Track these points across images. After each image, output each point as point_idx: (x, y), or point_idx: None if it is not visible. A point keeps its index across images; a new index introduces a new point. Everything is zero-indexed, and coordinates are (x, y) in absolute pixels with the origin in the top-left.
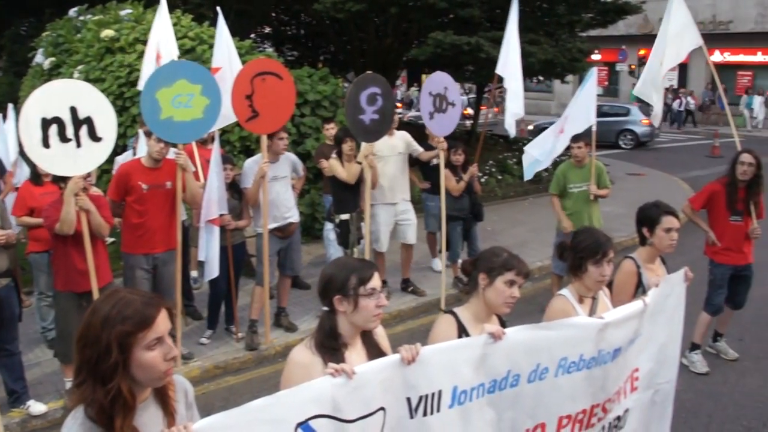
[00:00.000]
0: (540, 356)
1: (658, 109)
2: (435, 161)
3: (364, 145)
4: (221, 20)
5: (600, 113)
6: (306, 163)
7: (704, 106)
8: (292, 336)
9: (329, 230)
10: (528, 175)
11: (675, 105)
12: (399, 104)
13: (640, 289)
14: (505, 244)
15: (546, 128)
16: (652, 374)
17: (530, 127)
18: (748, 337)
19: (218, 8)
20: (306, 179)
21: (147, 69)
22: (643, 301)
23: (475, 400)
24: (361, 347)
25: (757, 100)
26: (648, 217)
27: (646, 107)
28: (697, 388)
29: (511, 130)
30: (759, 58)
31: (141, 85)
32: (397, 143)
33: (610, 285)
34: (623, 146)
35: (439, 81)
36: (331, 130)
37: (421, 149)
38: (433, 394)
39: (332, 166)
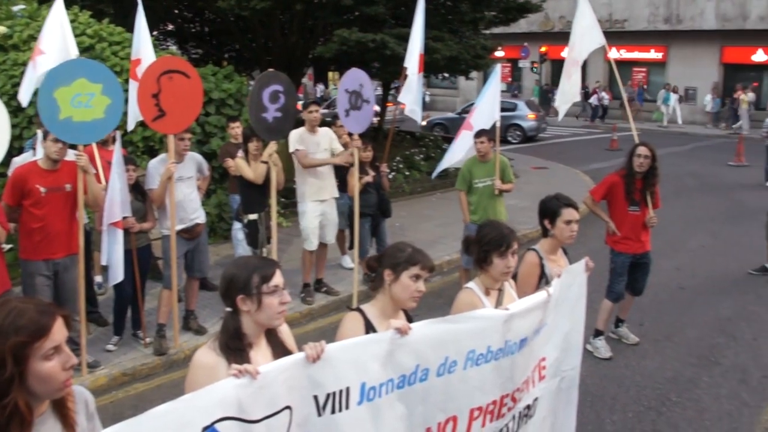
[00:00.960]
0: (448, 349)
1: (564, 104)
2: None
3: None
4: (140, 10)
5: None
6: (211, 163)
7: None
8: (202, 339)
9: (237, 230)
10: (435, 173)
11: (592, 100)
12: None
13: (543, 279)
14: (414, 239)
15: (439, 124)
16: (558, 362)
17: (423, 123)
18: (648, 322)
19: (138, 0)
20: (212, 179)
21: (29, 71)
22: (546, 292)
23: (384, 395)
24: (266, 346)
25: (673, 97)
26: (549, 209)
27: (533, 103)
28: (601, 373)
29: (416, 116)
30: (652, 55)
31: (20, 94)
32: (321, 140)
33: (515, 277)
34: (511, 141)
35: (354, 78)
36: (236, 128)
37: (341, 148)
38: (340, 392)
39: (238, 165)
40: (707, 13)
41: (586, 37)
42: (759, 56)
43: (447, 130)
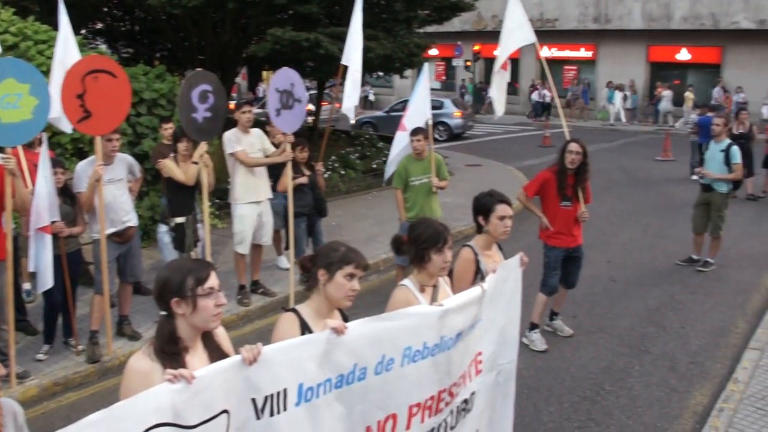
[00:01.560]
0: (384, 347)
1: (497, 102)
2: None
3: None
4: (62, 9)
5: None
6: (143, 164)
7: (570, 101)
8: (137, 345)
9: (163, 233)
10: (386, 174)
11: (534, 97)
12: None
13: (478, 275)
14: (351, 238)
15: (368, 122)
16: (494, 356)
17: (352, 122)
18: (581, 314)
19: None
20: (144, 181)
21: None
22: (481, 287)
23: (322, 396)
24: (202, 350)
25: (618, 95)
26: (483, 205)
27: (460, 100)
28: (537, 365)
29: (350, 114)
30: (582, 53)
31: None
32: (254, 141)
33: (450, 273)
34: (438, 138)
35: (285, 77)
36: (169, 129)
37: (273, 148)
38: (278, 393)
39: (167, 167)
40: (634, 13)
41: (515, 33)
42: (683, 55)
43: (376, 129)
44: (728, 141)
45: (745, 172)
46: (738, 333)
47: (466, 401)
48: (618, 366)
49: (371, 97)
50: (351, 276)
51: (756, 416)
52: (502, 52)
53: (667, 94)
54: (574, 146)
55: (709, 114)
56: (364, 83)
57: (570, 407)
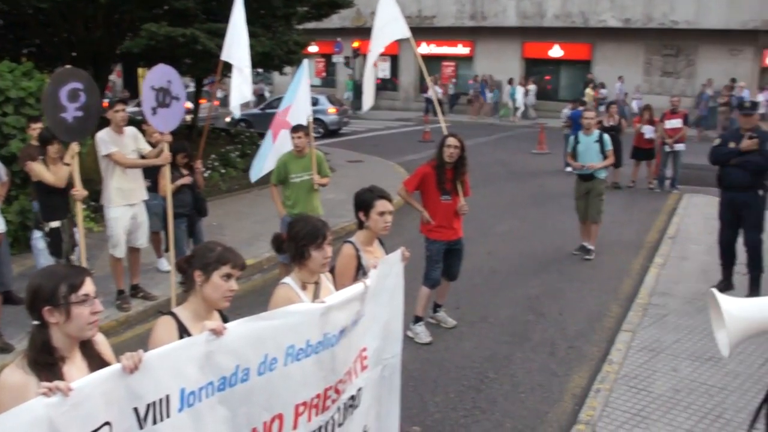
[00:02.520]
0: (266, 347)
1: (368, 96)
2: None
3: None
4: None
5: None
6: (11, 167)
7: (471, 98)
8: (9, 357)
9: (37, 239)
10: (252, 177)
11: (429, 94)
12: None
13: (360, 271)
14: (233, 237)
15: (243, 120)
16: (379, 351)
17: (227, 119)
18: (464, 305)
19: None
20: (12, 184)
21: None
22: (364, 283)
23: (205, 399)
24: (81, 360)
25: (520, 91)
26: (363, 201)
27: (335, 97)
28: (422, 357)
29: (237, 111)
30: (460, 50)
31: None
32: (128, 141)
33: (332, 270)
34: (313, 135)
35: (162, 74)
36: (37, 129)
37: (149, 147)
38: (161, 400)
39: (35, 170)
40: (509, 11)
41: (388, 27)
42: (555, 51)
43: (251, 126)
44: (598, 132)
45: (615, 162)
46: (612, 316)
47: (353, 397)
48: (501, 354)
49: (266, 94)
50: (228, 276)
51: (630, 394)
52: (375, 47)
53: (531, 88)
54: (451, 140)
55: (580, 108)
56: (256, 81)
57: (456, 397)
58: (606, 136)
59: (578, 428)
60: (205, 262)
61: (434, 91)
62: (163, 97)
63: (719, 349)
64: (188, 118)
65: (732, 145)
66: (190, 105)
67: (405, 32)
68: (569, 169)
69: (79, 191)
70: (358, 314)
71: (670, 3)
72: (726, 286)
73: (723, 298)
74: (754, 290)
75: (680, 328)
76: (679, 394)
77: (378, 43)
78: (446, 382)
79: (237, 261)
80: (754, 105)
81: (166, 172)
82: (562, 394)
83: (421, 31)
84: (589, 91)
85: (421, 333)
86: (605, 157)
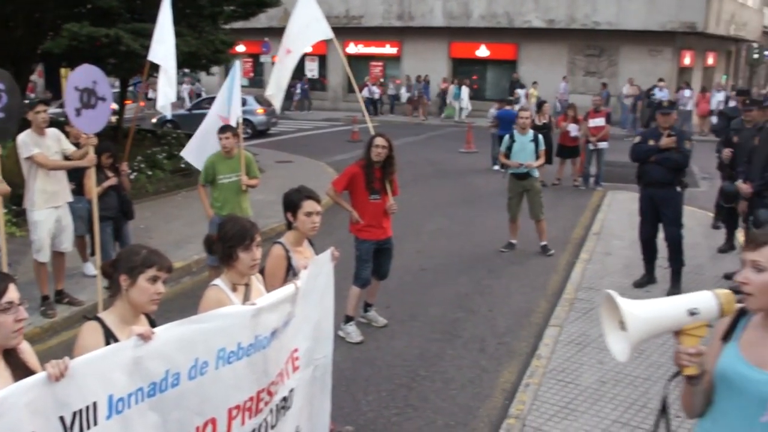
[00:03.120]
0: (197, 351)
1: (279, 99)
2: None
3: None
4: None
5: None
6: None
7: (413, 98)
8: None
9: None
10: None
11: (364, 93)
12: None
13: (290, 271)
14: (161, 240)
15: (170, 120)
16: (310, 352)
17: (153, 120)
18: (394, 304)
19: None
20: None
21: None
22: (295, 285)
23: (134, 406)
24: (5, 368)
25: (465, 91)
26: (291, 202)
27: (263, 97)
28: (353, 356)
29: (167, 111)
30: (387, 50)
31: None
32: (51, 143)
33: (262, 271)
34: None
35: (86, 74)
36: None
37: (73, 148)
38: (87, 408)
39: None
40: (436, 11)
41: (310, 29)
42: (482, 51)
43: (178, 127)
44: (533, 132)
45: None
46: (540, 312)
47: (285, 399)
48: (431, 352)
49: (204, 95)
50: (154, 279)
51: (558, 388)
52: (297, 47)
53: (452, 88)
54: (379, 140)
55: (507, 108)
56: (182, 81)
57: (387, 395)
58: (540, 137)
59: (509, 422)
60: (131, 266)
61: (358, 94)
62: (88, 98)
63: (614, 356)
64: (113, 119)
65: (651, 142)
66: (115, 106)
67: (328, 33)
68: (497, 167)
69: (2, 186)
70: (288, 315)
71: (593, 4)
72: (648, 280)
73: (622, 301)
74: (675, 284)
75: None
76: (606, 385)
77: (300, 44)
78: (378, 380)
79: (163, 263)
80: (672, 104)
81: (92, 174)
82: (493, 390)
83: (349, 31)
84: (532, 90)
85: (352, 332)
86: (538, 156)
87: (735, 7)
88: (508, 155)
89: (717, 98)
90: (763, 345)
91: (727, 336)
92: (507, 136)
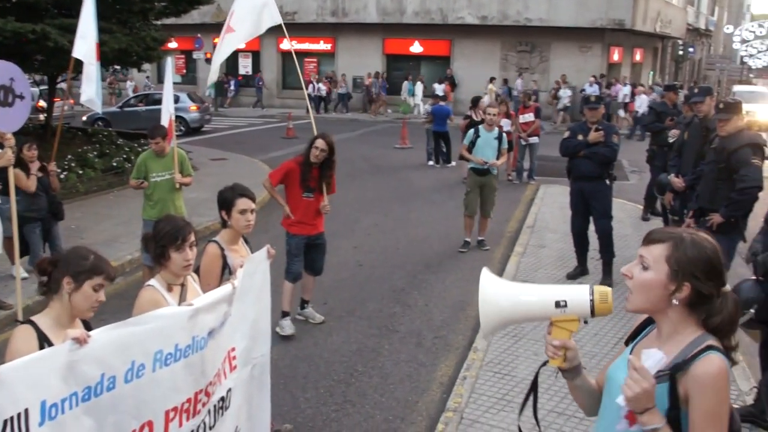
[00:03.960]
0: (133, 353)
1: (213, 73)
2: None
3: None
4: None
5: (152, 101)
6: None
7: (373, 96)
8: None
9: None
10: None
11: (309, 90)
12: None
13: (226, 270)
14: (93, 240)
15: (101, 118)
16: (247, 351)
17: (84, 118)
18: (331, 300)
19: None
20: None
21: None
22: (231, 284)
23: (68, 411)
24: None
25: (420, 87)
26: (224, 200)
27: (196, 94)
28: (291, 354)
29: (95, 107)
30: (322, 46)
31: None
32: None
33: (197, 270)
34: (175, 133)
35: (3, 71)
36: None
37: None
38: (19, 415)
39: None
40: (370, 7)
41: (263, 14)
42: (416, 47)
43: (109, 125)
44: (497, 129)
45: None
46: (476, 305)
47: (223, 399)
48: (369, 347)
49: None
50: (99, 287)
51: (494, 380)
52: (245, 31)
53: (406, 84)
54: (320, 143)
55: (441, 103)
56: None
57: (326, 392)
58: (504, 135)
59: (447, 416)
60: (78, 270)
61: (303, 91)
62: (5, 96)
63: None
64: (42, 117)
65: (580, 137)
66: (43, 104)
67: (277, 18)
68: (431, 162)
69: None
70: (225, 315)
71: (524, 1)
72: (581, 271)
73: (487, 278)
74: (606, 275)
75: None
76: (541, 376)
77: (248, 27)
78: (316, 377)
79: (110, 272)
80: (599, 99)
81: (12, 174)
82: (430, 383)
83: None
84: (491, 86)
85: (286, 326)
86: (500, 153)
87: (661, 5)
88: (470, 150)
89: (643, 101)
90: None
91: (629, 340)
92: (472, 131)
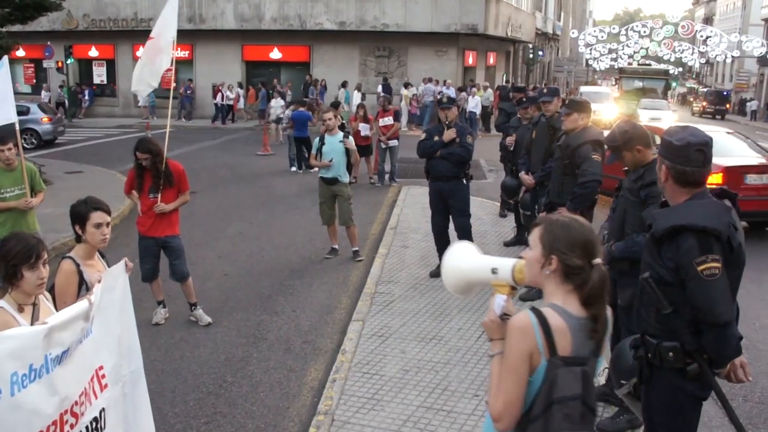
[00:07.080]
0: None
1: (144, 91)
2: None
3: None
4: None
5: None
6: None
7: (311, 104)
8: None
9: None
10: None
11: (217, 99)
12: None
13: (83, 287)
14: None
15: None
16: (117, 368)
17: None
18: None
19: None
20: None
21: None
22: (88, 300)
23: None
24: None
25: (357, 95)
26: (78, 214)
27: (48, 105)
28: (158, 369)
29: None
30: (179, 53)
31: None
32: None
33: (52, 289)
34: (26, 146)
35: None
36: None
37: None
38: None
39: None
40: (227, 14)
41: (170, 27)
42: (275, 54)
43: None
44: (341, 133)
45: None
46: (342, 308)
47: (96, 419)
48: (237, 356)
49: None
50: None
51: (364, 380)
52: (163, 36)
53: (342, 91)
54: (138, 153)
55: (301, 109)
56: None
57: (195, 405)
58: (351, 139)
59: (318, 419)
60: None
61: (170, 100)
62: None
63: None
64: None
65: (436, 138)
66: None
67: (173, 32)
68: (294, 168)
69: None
70: (83, 332)
71: (381, 7)
72: None
73: (458, 249)
74: None
75: (405, 312)
76: (409, 373)
77: (163, 41)
78: (185, 391)
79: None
80: (451, 100)
81: None
82: (301, 388)
83: (138, 34)
84: (405, 92)
85: (156, 314)
86: (349, 157)
87: (510, 11)
88: (318, 158)
89: (471, 103)
90: None
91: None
92: (317, 139)
